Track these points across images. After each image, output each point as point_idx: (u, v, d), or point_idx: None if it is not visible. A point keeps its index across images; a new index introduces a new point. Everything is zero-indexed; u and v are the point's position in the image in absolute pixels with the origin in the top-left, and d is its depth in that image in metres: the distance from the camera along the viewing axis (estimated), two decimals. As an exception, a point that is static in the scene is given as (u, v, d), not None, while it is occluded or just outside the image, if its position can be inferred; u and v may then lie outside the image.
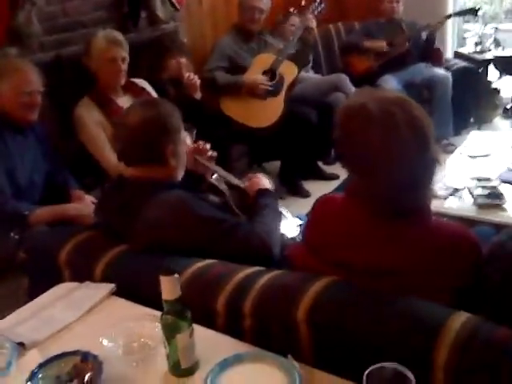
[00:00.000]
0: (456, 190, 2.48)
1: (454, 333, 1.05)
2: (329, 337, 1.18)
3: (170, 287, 1.10)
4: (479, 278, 1.28)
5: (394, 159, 1.21)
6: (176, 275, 1.10)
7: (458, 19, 4.90)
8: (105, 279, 1.52)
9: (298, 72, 3.65)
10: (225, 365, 1.13)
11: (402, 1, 4.20)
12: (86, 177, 2.80)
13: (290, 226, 1.93)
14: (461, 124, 4.16)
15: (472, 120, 4.41)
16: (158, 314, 1.16)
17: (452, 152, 3.13)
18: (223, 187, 1.94)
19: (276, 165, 3.85)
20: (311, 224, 1.49)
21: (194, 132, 2.81)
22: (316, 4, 3.68)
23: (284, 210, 1.99)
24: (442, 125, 4.05)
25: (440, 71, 4.11)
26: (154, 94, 2.96)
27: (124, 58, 2.80)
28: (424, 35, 4.14)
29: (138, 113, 1.68)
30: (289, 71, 3.56)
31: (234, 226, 1.62)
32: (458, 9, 4.58)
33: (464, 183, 2.50)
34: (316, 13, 3.67)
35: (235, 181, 1.96)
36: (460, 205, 2.40)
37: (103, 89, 2.81)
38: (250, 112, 3.45)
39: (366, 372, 0.95)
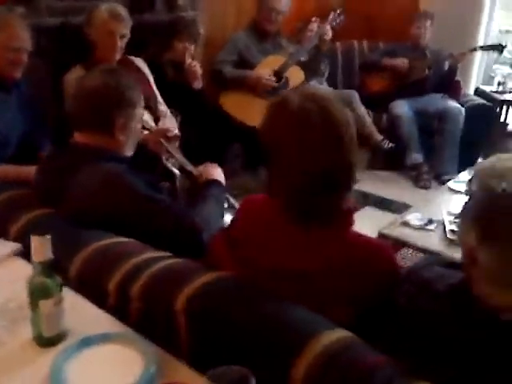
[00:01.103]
0: (430, 222, 2.37)
1: (322, 347, 0.97)
2: (203, 327, 1.10)
3: (39, 248, 1.04)
4: (390, 299, 1.20)
5: (304, 157, 1.14)
6: (48, 236, 1.04)
7: (487, 58, 4.77)
8: (17, 239, 1.47)
9: (306, 80, 3.57)
10: (87, 342, 1.06)
11: (431, 29, 4.12)
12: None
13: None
14: (467, 162, 3.99)
15: (480, 160, 4.24)
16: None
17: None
18: (176, 171, 1.89)
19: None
20: (234, 219, 1.44)
21: (179, 118, 2.77)
22: (335, 15, 3.60)
23: (234, 201, 1.92)
24: (448, 161, 3.92)
25: (454, 104, 3.97)
26: (149, 76, 2.92)
27: (123, 35, 2.76)
28: (446, 65, 4.03)
29: (98, 78, 1.65)
30: (295, 76, 3.49)
31: (168, 207, 1.56)
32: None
33: (441, 217, 2.40)
34: (334, 24, 3.58)
35: (189, 167, 1.91)
36: (430, 237, 2.29)
37: (98, 60, 2.77)
38: (249, 110, 3.36)
39: (208, 372, 0.87)
